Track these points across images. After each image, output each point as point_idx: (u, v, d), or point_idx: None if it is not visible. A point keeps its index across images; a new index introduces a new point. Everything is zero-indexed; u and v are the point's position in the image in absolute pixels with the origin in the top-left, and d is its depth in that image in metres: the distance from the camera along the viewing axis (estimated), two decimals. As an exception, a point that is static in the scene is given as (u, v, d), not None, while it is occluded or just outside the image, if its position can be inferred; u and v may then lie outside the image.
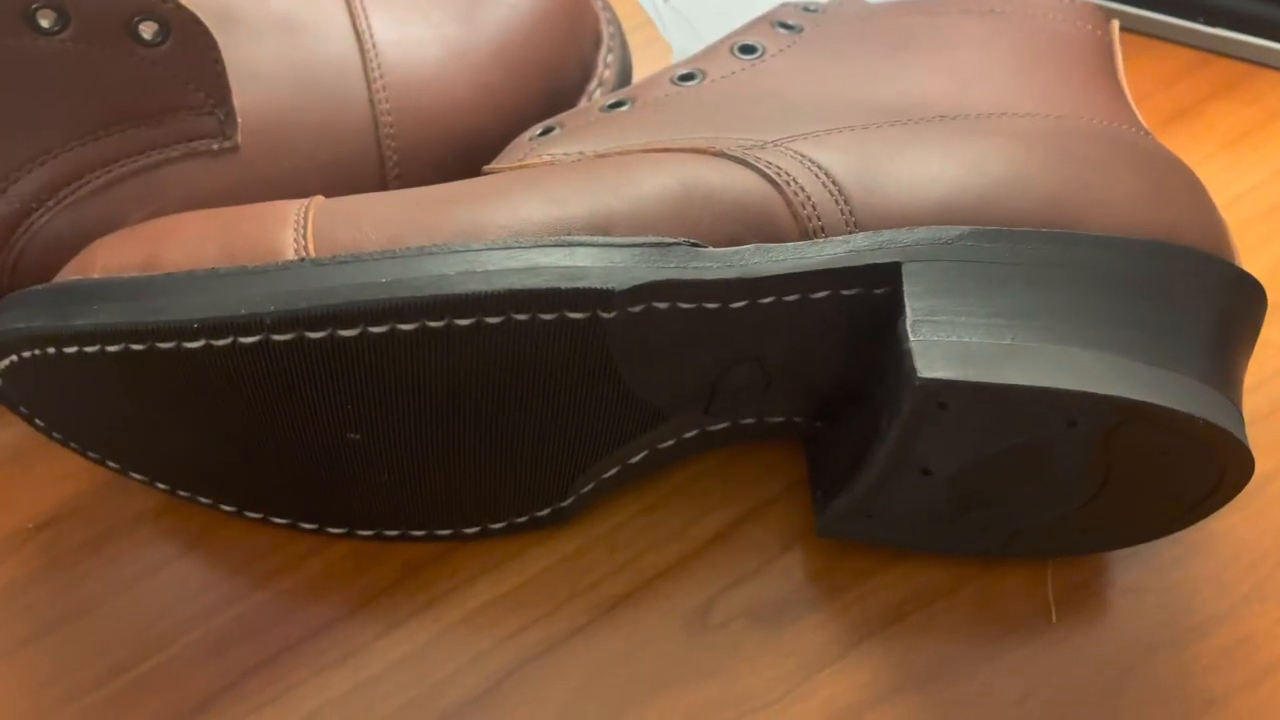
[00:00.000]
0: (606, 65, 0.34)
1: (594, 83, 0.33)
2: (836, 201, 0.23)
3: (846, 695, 0.27)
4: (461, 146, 0.31)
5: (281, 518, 0.28)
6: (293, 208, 0.23)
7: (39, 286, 0.23)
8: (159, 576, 0.29)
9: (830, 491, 0.26)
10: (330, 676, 0.27)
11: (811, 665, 0.27)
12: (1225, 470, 0.23)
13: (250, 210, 0.23)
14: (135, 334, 0.21)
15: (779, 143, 0.24)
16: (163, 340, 0.21)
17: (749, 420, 0.27)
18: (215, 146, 0.28)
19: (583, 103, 0.32)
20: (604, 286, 0.21)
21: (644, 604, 0.28)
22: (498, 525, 0.28)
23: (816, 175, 0.23)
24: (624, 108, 0.27)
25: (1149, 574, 0.28)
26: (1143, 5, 0.38)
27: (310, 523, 0.28)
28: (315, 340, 0.21)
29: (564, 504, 0.27)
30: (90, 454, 0.27)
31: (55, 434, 0.26)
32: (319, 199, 0.23)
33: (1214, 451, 0.22)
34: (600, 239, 0.21)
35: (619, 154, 0.24)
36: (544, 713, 0.27)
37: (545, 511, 0.28)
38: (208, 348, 0.21)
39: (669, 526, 0.29)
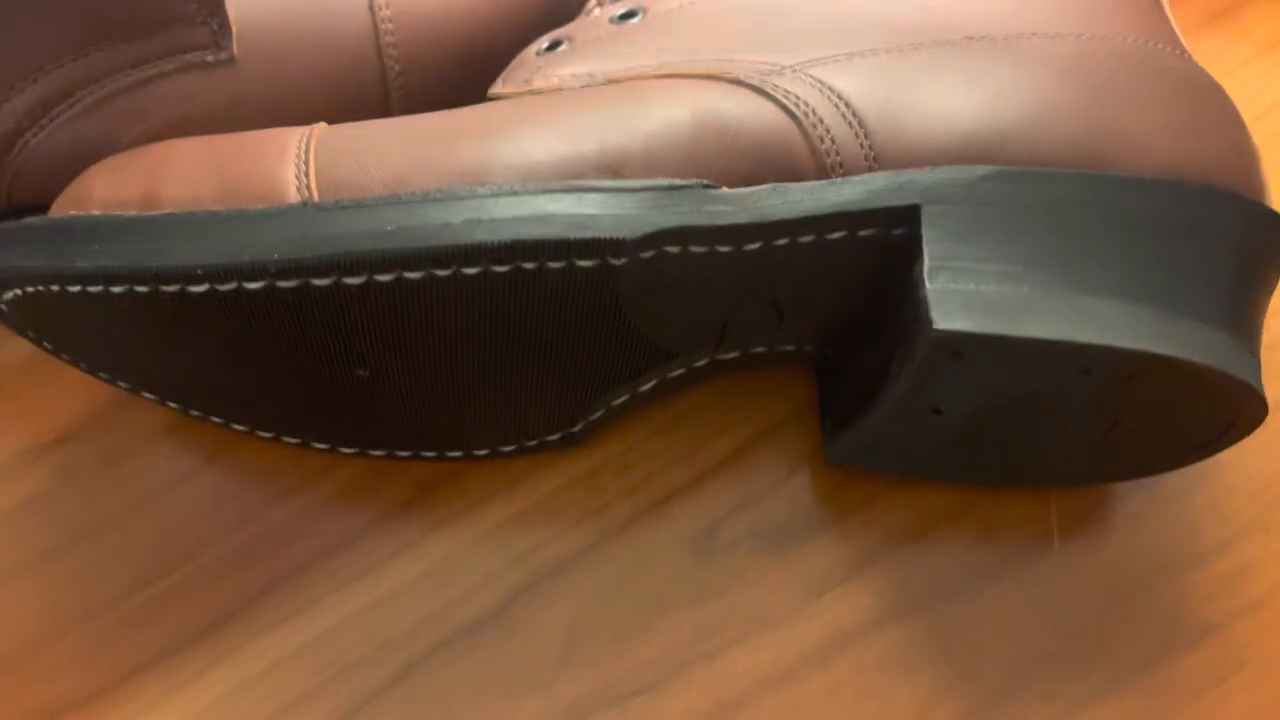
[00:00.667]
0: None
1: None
2: (856, 135, 0.22)
3: (851, 617, 0.27)
4: (465, 52, 0.30)
5: (293, 438, 0.29)
6: (293, 138, 0.22)
7: (36, 219, 0.22)
8: (175, 493, 0.29)
9: (839, 422, 0.27)
10: (346, 593, 0.28)
11: (817, 587, 0.28)
12: (1238, 415, 0.23)
13: (249, 141, 0.22)
14: (137, 278, 0.20)
15: (797, 68, 0.23)
16: (166, 284, 0.21)
17: (760, 349, 0.27)
18: (210, 59, 0.27)
19: (590, 5, 0.31)
20: (614, 236, 0.20)
21: (652, 525, 0.29)
22: (508, 448, 0.28)
23: (836, 105, 0.23)
24: (635, 19, 0.26)
25: (1151, 502, 0.28)
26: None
27: (322, 442, 0.29)
28: (321, 287, 0.20)
29: (574, 429, 0.28)
30: (100, 374, 0.27)
31: (64, 355, 0.26)
32: (320, 128, 0.23)
33: (1228, 398, 0.22)
34: (610, 183, 0.21)
35: (630, 80, 0.23)
36: (553, 630, 0.27)
37: (555, 436, 0.28)
38: (212, 292, 0.21)
39: (677, 449, 0.29)
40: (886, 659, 0.27)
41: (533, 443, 0.28)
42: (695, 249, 0.21)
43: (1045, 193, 0.21)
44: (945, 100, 0.23)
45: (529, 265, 0.20)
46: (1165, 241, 0.22)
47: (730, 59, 0.24)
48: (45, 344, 0.26)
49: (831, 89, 0.23)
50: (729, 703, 0.27)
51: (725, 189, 0.22)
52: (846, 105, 0.23)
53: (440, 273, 0.20)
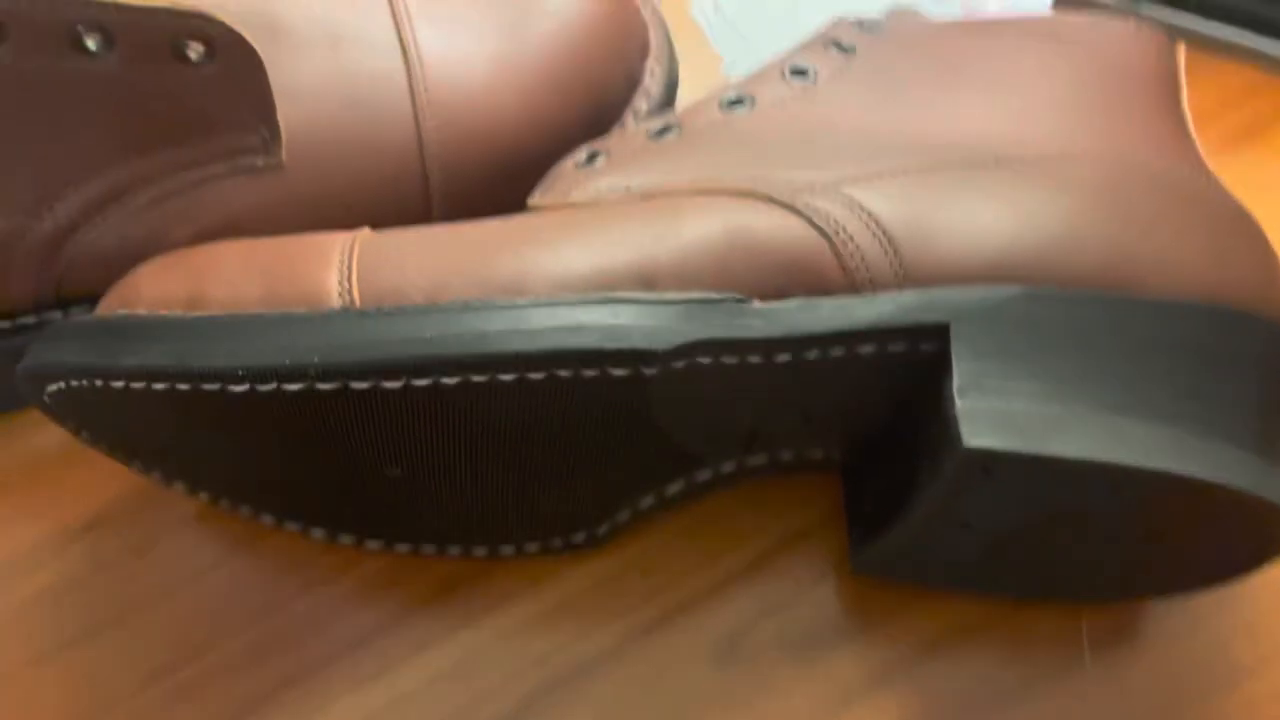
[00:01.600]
0: (652, 75, 0.33)
1: (639, 94, 0.32)
2: (886, 252, 0.23)
3: (874, 732, 0.27)
4: (506, 163, 0.30)
5: (319, 529, 0.29)
6: (337, 244, 0.23)
7: (85, 318, 0.23)
8: (201, 582, 0.30)
9: (867, 532, 0.26)
10: (366, 691, 0.28)
11: (841, 697, 0.27)
12: (1271, 537, 0.22)
13: (294, 246, 0.23)
14: (180, 376, 0.21)
15: (828, 185, 0.24)
16: (208, 383, 0.21)
17: (787, 457, 0.27)
18: (259, 164, 0.28)
19: (628, 118, 0.32)
20: (647, 347, 0.20)
21: (674, 631, 0.28)
22: (533, 547, 0.28)
23: (867, 225, 0.23)
24: (670, 134, 0.27)
25: (1185, 621, 0.28)
26: (1209, 20, 0.36)
27: (349, 536, 0.29)
28: (359, 390, 0.21)
29: (599, 531, 0.28)
30: (134, 465, 0.27)
31: (101, 446, 0.27)
32: (364, 234, 0.23)
33: (1260, 520, 0.22)
34: (643, 295, 0.21)
35: (664, 195, 0.24)
36: (573, 737, 0.27)
37: (580, 537, 0.28)
38: (252, 391, 0.21)
39: (703, 552, 0.29)
40: (912, 777, 0.26)
41: (558, 542, 0.28)
42: (727, 360, 0.22)
43: (1074, 314, 0.22)
44: (975, 220, 0.23)
45: (564, 373, 0.21)
46: (1195, 367, 0.22)
47: (764, 175, 0.24)
48: (83, 434, 0.26)
49: (861, 206, 0.23)
50: (750, 819, 0.26)
51: (756, 303, 0.22)
52: (876, 223, 0.23)
53: (476, 379, 0.20)
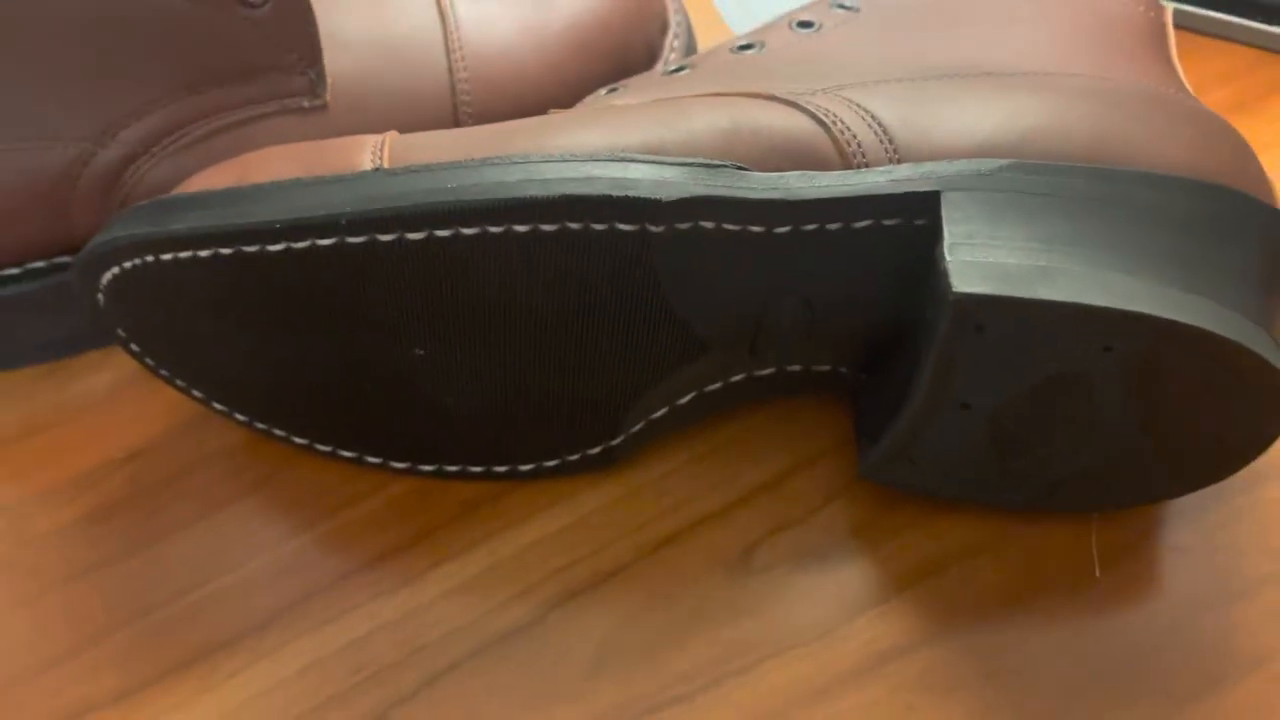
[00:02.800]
0: (672, 49, 0.35)
1: (659, 65, 0.35)
2: (881, 140, 0.24)
3: (889, 638, 0.27)
4: (533, 113, 0.32)
5: (349, 451, 0.30)
6: (370, 139, 0.25)
7: (140, 203, 0.25)
8: (232, 508, 0.31)
9: (874, 437, 0.27)
10: (385, 602, 0.29)
11: (852, 610, 0.28)
12: (1265, 406, 0.23)
13: (331, 142, 0.25)
14: (224, 236, 0.23)
15: (829, 90, 0.26)
16: (248, 243, 0.23)
17: (795, 368, 0.28)
18: (305, 104, 0.31)
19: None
20: (653, 196, 0.22)
21: (688, 546, 0.29)
22: (552, 463, 0.29)
23: (863, 118, 0.25)
24: (684, 71, 0.29)
25: (1195, 535, 0.28)
26: (1202, 4, 0.38)
27: (376, 456, 0.30)
28: (385, 243, 0.22)
29: (614, 443, 0.29)
30: (177, 382, 0.29)
31: (147, 360, 0.28)
32: (393, 133, 0.25)
33: (1252, 384, 0.22)
34: (652, 157, 0.23)
35: (675, 99, 0.26)
36: (587, 643, 0.27)
37: (597, 450, 0.29)
38: (288, 251, 0.23)
39: (716, 475, 0.30)
40: (925, 681, 0.26)
41: (575, 457, 0.29)
42: (728, 226, 0.23)
43: (1061, 183, 0.23)
44: (965, 112, 0.25)
45: (574, 225, 0.22)
46: (1182, 234, 0.23)
47: (768, 86, 0.26)
48: (132, 345, 0.28)
49: (859, 105, 0.25)
50: (763, 717, 0.26)
51: (757, 172, 0.23)
52: (873, 118, 0.25)
53: (493, 229, 0.22)
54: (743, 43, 0.30)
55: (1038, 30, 0.29)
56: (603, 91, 0.29)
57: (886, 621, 0.27)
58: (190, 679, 0.28)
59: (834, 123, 0.24)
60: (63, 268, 0.32)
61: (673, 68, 0.30)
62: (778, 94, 0.25)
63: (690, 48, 0.36)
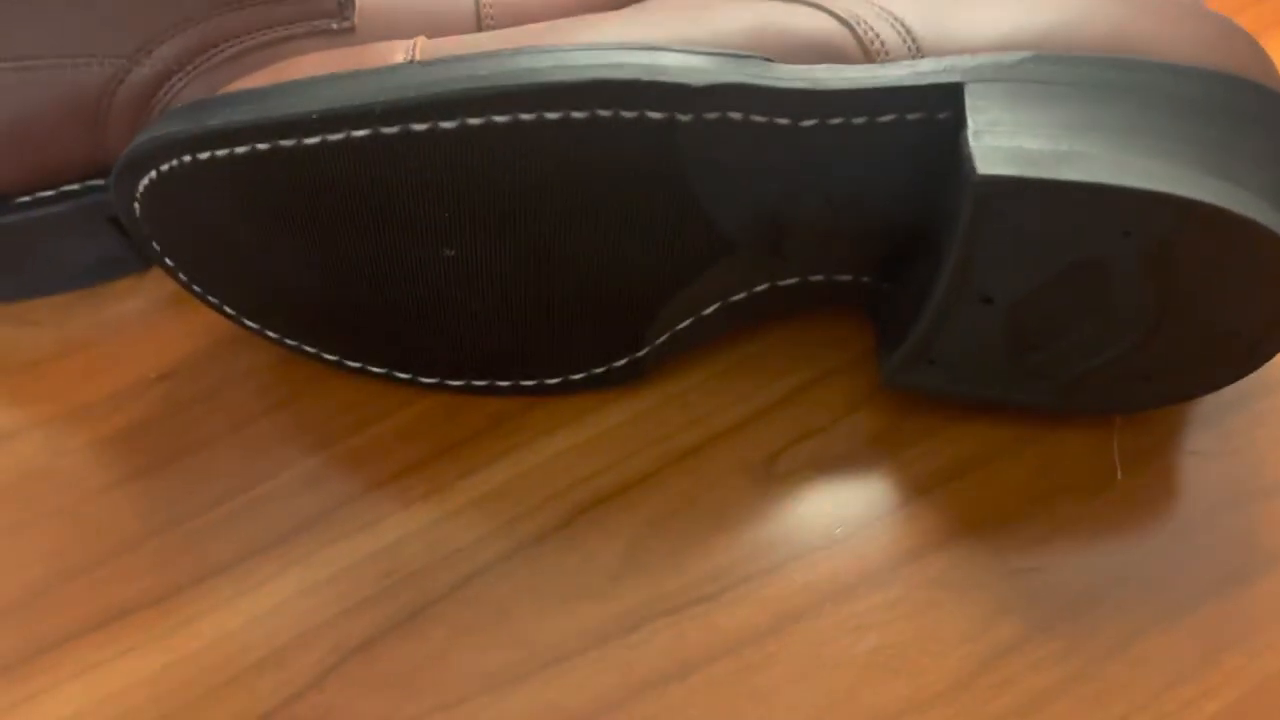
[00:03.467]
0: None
1: None
2: (904, 39, 0.25)
3: (910, 538, 0.27)
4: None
5: (379, 367, 0.30)
6: (403, 42, 0.25)
7: (176, 107, 0.25)
8: (263, 422, 0.31)
9: (895, 343, 0.28)
10: (416, 510, 0.29)
11: (874, 510, 0.28)
12: (1285, 295, 0.23)
13: (365, 45, 0.26)
14: (260, 130, 0.23)
15: (851, -4, 0.26)
16: (284, 137, 0.23)
17: (818, 278, 0.28)
18: (335, 26, 0.31)
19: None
20: (682, 81, 0.22)
21: (712, 455, 0.29)
22: (578, 376, 0.30)
23: (886, 18, 0.25)
24: None
25: (1215, 439, 0.28)
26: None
27: (405, 372, 0.30)
28: (419, 133, 0.23)
29: (639, 354, 0.29)
30: (209, 298, 0.30)
31: (180, 275, 0.29)
32: (423, 37, 0.26)
33: (1272, 269, 0.23)
34: (681, 46, 0.23)
35: (703, 3, 0.26)
36: (613, 546, 0.28)
37: (622, 362, 0.29)
38: (323, 144, 0.23)
39: (739, 389, 0.31)
40: (946, 578, 0.27)
41: (601, 369, 0.29)
42: (756, 118, 0.23)
43: (1083, 73, 0.23)
44: (986, 10, 0.25)
45: (604, 112, 0.22)
46: (1202, 120, 0.23)
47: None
48: (167, 260, 0.29)
49: (882, 6, 0.25)
50: (786, 615, 0.26)
51: (784, 64, 0.24)
52: (895, 17, 0.25)
53: (525, 116, 0.22)
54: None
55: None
56: (631, 9, 0.30)
57: (907, 523, 0.28)
58: (225, 584, 0.28)
59: (858, 23, 0.25)
60: (96, 190, 0.32)
61: None
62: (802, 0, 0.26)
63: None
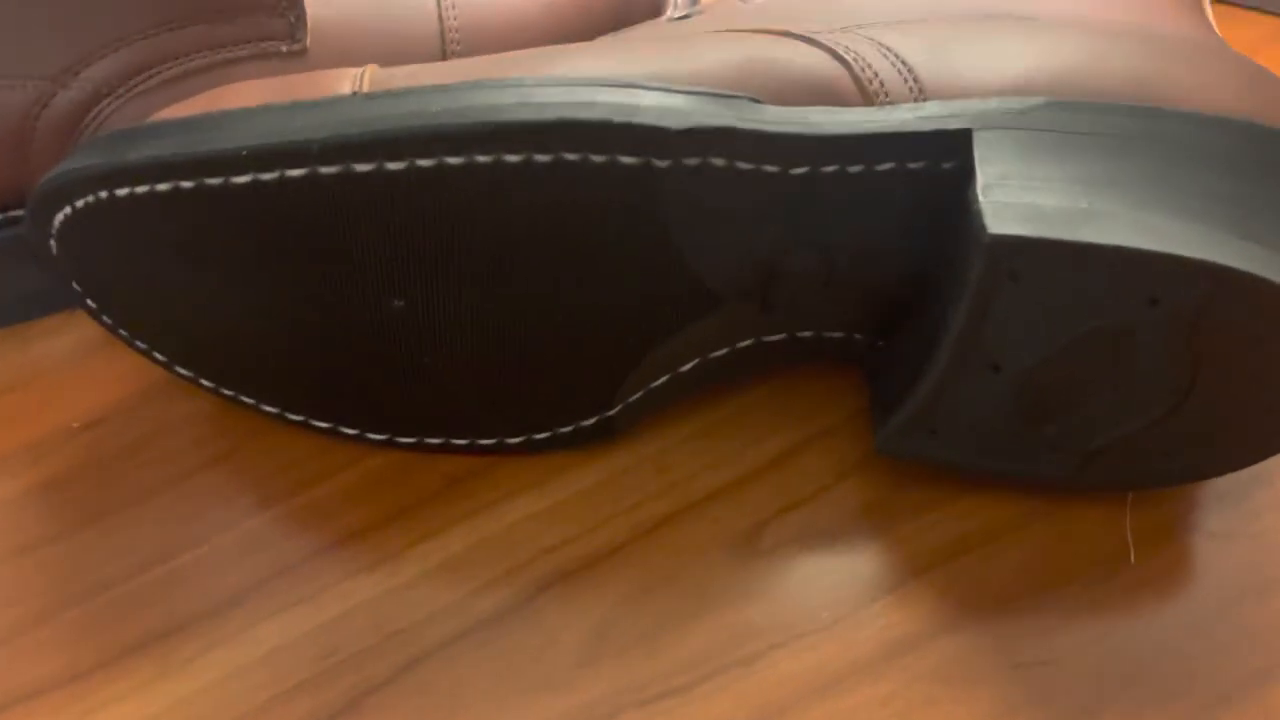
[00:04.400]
0: (675, 7, 0.33)
1: (666, 14, 0.33)
2: (905, 79, 0.22)
3: (906, 625, 0.25)
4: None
5: (322, 421, 0.28)
6: (351, 70, 0.23)
7: (95, 136, 0.23)
8: (196, 479, 0.29)
9: (891, 407, 0.25)
10: (360, 581, 0.26)
11: (866, 594, 0.25)
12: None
13: (311, 73, 0.23)
14: (184, 167, 0.21)
15: (848, 29, 0.24)
16: (211, 175, 0.21)
17: (806, 334, 0.26)
18: (284, 49, 0.29)
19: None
20: (658, 124, 0.20)
21: (690, 525, 0.27)
22: (542, 435, 0.27)
23: (886, 55, 0.23)
24: (691, 18, 0.27)
25: (1237, 519, 0.26)
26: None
27: (352, 428, 0.28)
28: (362, 174, 0.20)
29: (610, 413, 0.26)
30: (137, 343, 0.27)
31: (104, 317, 0.26)
32: (373, 66, 0.23)
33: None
34: (659, 84, 0.21)
35: (685, 35, 0.24)
36: (579, 627, 0.25)
37: (591, 421, 0.27)
38: (254, 184, 0.21)
39: (720, 451, 0.28)
40: (945, 672, 0.24)
41: (568, 429, 0.27)
42: (741, 165, 0.21)
43: (1101, 122, 0.21)
44: (996, 50, 0.23)
45: (571, 156, 0.20)
46: (1230, 174, 0.21)
47: (784, 25, 0.24)
48: (89, 301, 0.26)
49: (881, 43, 0.23)
50: (769, 710, 0.24)
51: (773, 106, 0.21)
52: (896, 55, 0.23)
53: (482, 158, 0.20)
54: (754, -9, 0.28)
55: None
56: (607, 38, 0.27)
57: (903, 608, 0.25)
58: (146, 663, 0.25)
59: (855, 60, 0.23)
60: (18, 220, 0.30)
61: (680, 14, 0.28)
62: (794, 30, 0.23)
63: (693, 9, 0.34)
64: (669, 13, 0.32)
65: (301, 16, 0.28)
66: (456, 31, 0.30)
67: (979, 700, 0.24)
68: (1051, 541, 0.26)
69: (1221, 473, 0.24)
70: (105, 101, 0.28)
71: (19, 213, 0.29)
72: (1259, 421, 0.23)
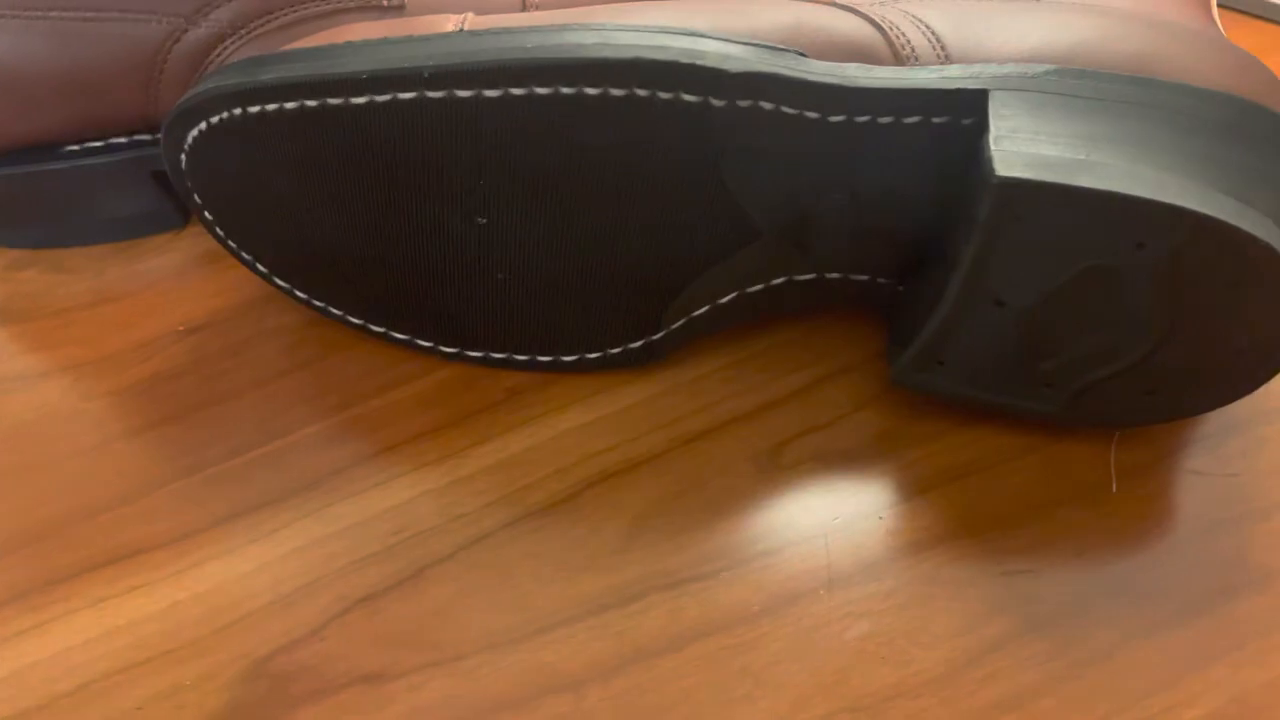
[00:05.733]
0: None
1: None
2: (934, 46, 0.26)
3: (908, 533, 0.28)
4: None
5: (402, 333, 0.31)
6: (454, 15, 0.26)
7: (231, 61, 0.26)
8: (287, 379, 0.32)
9: (906, 343, 0.28)
10: (429, 472, 0.30)
11: (875, 505, 0.29)
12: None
13: (417, 17, 0.27)
14: (311, 86, 0.24)
15: (884, 2, 0.27)
16: (333, 95, 0.24)
17: (834, 275, 0.29)
18: (385, 3, 0.32)
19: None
20: (720, 67, 0.23)
21: (719, 441, 0.30)
22: (594, 355, 0.30)
23: (916, 25, 0.26)
24: None
25: (1214, 460, 0.29)
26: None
27: (427, 340, 0.31)
28: (462, 99, 0.24)
29: (655, 337, 0.30)
30: (243, 254, 0.31)
31: (218, 229, 0.30)
32: (472, 13, 0.27)
33: (1277, 289, 0.23)
34: (721, 34, 0.24)
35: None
36: (618, 521, 0.29)
37: (638, 344, 0.30)
38: (370, 104, 0.24)
39: (749, 380, 0.31)
40: (940, 574, 0.27)
41: (617, 350, 0.30)
42: (787, 109, 0.24)
43: (1104, 88, 0.24)
44: (1015, 25, 0.26)
45: (642, 92, 0.23)
46: (1218, 141, 0.24)
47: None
48: (206, 213, 0.30)
49: (913, 14, 0.26)
50: (781, 598, 0.27)
51: (818, 60, 0.25)
52: (927, 25, 0.26)
53: (566, 90, 0.23)
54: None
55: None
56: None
57: (906, 518, 0.28)
58: (238, 530, 0.29)
59: (890, 27, 0.26)
60: (142, 144, 0.33)
61: None
62: (836, 1, 0.27)
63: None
64: None
65: (402, -24, 0.32)
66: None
67: (970, 599, 0.27)
68: (1043, 470, 0.29)
69: (1198, 412, 0.27)
70: (228, 41, 0.31)
71: (143, 136, 0.33)
72: (1233, 362, 0.26)
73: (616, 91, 0.23)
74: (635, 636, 0.26)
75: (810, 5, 0.26)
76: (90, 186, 0.34)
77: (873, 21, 0.26)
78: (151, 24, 0.30)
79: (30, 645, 0.27)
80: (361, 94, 0.24)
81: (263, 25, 0.31)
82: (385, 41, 0.24)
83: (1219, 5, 0.40)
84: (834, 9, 0.26)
